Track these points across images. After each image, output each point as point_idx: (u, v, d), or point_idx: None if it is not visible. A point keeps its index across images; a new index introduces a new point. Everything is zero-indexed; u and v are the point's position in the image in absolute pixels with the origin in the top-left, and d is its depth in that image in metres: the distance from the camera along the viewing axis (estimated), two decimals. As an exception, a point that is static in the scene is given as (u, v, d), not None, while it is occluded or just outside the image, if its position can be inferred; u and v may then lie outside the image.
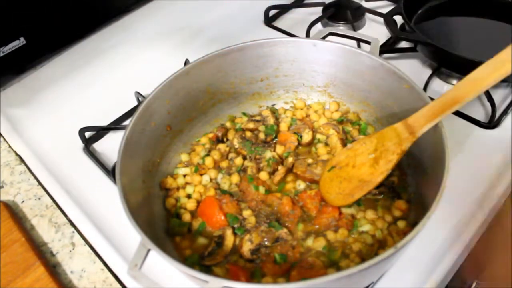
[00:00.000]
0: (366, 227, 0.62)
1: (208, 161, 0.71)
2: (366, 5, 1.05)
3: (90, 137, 0.83)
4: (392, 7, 0.97)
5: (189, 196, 0.69)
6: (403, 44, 0.97)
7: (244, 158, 0.72)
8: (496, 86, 0.85)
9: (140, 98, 0.84)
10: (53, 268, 0.67)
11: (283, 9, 1.09)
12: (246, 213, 0.65)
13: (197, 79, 0.71)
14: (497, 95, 0.82)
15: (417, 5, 0.97)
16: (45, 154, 0.82)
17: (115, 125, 0.84)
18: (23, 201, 0.76)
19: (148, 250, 0.49)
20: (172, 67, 0.72)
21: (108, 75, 0.96)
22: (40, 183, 0.78)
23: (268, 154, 0.71)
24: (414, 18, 0.96)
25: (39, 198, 0.76)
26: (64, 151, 0.82)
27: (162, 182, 0.70)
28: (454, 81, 0.87)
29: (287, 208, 0.65)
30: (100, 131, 0.84)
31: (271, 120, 0.75)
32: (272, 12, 1.07)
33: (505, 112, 0.79)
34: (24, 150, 0.83)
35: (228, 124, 0.78)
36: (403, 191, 0.66)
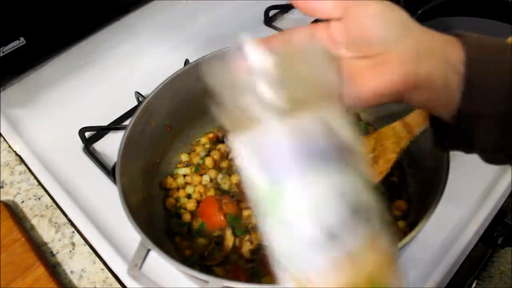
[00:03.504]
0: (366, 227, 0.62)
1: (208, 161, 0.71)
2: (366, 5, 1.05)
3: (90, 137, 0.83)
4: None
5: (189, 196, 0.69)
6: (403, 44, 0.97)
7: (244, 158, 0.72)
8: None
9: (140, 98, 0.84)
10: (53, 268, 0.67)
11: (283, 9, 1.08)
12: (246, 213, 0.65)
13: (197, 79, 0.71)
14: (497, 95, 0.82)
15: (417, 5, 0.97)
16: (45, 154, 0.82)
17: (115, 125, 0.84)
18: (23, 201, 0.76)
19: (148, 250, 0.49)
20: (172, 67, 0.72)
21: (108, 75, 0.96)
22: (40, 183, 0.78)
23: (268, 154, 0.71)
24: (414, 18, 0.96)
25: (39, 198, 0.76)
26: (64, 151, 0.82)
27: (162, 182, 0.70)
28: (454, 81, 0.87)
29: (287, 208, 0.65)
30: (100, 131, 0.84)
31: (271, 120, 0.75)
32: (272, 12, 1.07)
33: (505, 112, 0.79)
34: (24, 150, 0.83)
35: (228, 124, 0.77)
36: (403, 191, 0.66)
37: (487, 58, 0.38)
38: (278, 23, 1.06)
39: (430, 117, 0.45)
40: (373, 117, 0.74)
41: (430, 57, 0.38)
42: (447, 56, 0.38)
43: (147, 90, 0.76)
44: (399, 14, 0.40)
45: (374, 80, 0.39)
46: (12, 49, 0.87)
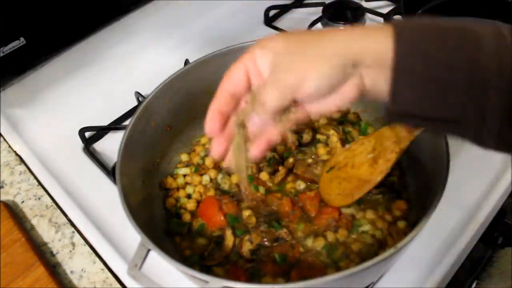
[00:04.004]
0: (366, 227, 0.62)
1: (208, 161, 0.71)
2: (366, 5, 1.05)
3: (90, 137, 0.83)
4: (392, 7, 0.97)
5: (189, 196, 0.69)
6: (403, 44, 0.97)
7: (244, 158, 0.72)
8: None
9: (140, 98, 0.84)
10: (53, 268, 0.67)
11: (283, 9, 1.08)
12: (246, 213, 0.65)
13: (197, 79, 0.71)
14: (497, 95, 0.82)
15: (417, 5, 0.97)
16: (45, 154, 0.82)
17: (115, 125, 0.85)
18: (23, 201, 0.76)
19: (148, 250, 0.49)
20: (172, 67, 0.72)
21: (108, 75, 0.96)
22: (40, 183, 0.78)
23: (268, 154, 0.71)
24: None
25: (39, 198, 0.76)
26: (64, 151, 0.82)
27: (162, 182, 0.70)
28: (454, 81, 0.87)
29: (287, 208, 0.65)
30: (100, 131, 0.84)
31: (271, 120, 0.75)
32: (272, 12, 1.07)
33: (505, 112, 0.79)
34: (24, 150, 0.83)
35: (228, 124, 0.77)
36: (403, 191, 0.66)
37: (417, 51, 0.38)
38: (278, 23, 1.06)
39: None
40: (373, 117, 0.74)
41: (367, 67, 0.40)
42: (381, 56, 0.39)
43: (147, 90, 0.76)
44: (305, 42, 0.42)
45: (331, 104, 0.44)
46: (12, 49, 0.87)
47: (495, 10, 0.95)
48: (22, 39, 0.88)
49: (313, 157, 0.71)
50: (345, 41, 0.41)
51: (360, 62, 0.40)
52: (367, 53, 0.40)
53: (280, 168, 0.69)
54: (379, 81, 0.40)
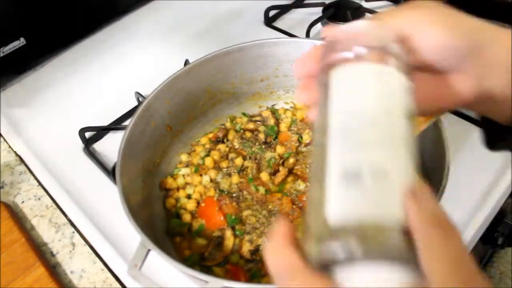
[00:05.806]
0: (366, 227, 0.62)
1: (208, 161, 0.71)
2: (366, 5, 1.05)
3: (90, 137, 0.83)
4: (392, 7, 0.97)
5: (189, 197, 0.69)
6: (403, 44, 0.97)
7: (244, 158, 0.72)
8: (496, 86, 0.85)
9: (140, 98, 0.84)
10: (53, 268, 0.67)
11: (283, 9, 1.08)
12: (246, 213, 0.65)
13: (197, 79, 0.71)
14: (497, 95, 0.82)
15: (417, 5, 0.97)
16: (45, 154, 0.82)
17: (115, 125, 0.84)
18: (23, 202, 0.76)
19: (148, 250, 0.49)
20: (172, 67, 0.72)
21: (108, 75, 0.96)
22: (40, 183, 0.78)
23: (269, 154, 0.71)
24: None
25: (39, 198, 0.76)
26: (64, 151, 0.82)
27: (162, 182, 0.70)
28: (454, 81, 0.87)
29: (287, 208, 0.65)
30: (100, 131, 0.84)
31: (271, 121, 0.75)
32: (272, 13, 1.07)
33: (505, 112, 0.79)
34: (24, 150, 0.83)
35: (228, 125, 0.78)
36: (403, 191, 0.66)
37: None
38: (278, 23, 1.06)
39: (481, 118, 0.42)
40: (373, 117, 0.74)
41: (493, 70, 0.36)
42: (508, 62, 0.35)
43: (147, 90, 0.76)
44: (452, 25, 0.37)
45: (442, 102, 0.39)
46: (12, 49, 0.87)
47: (495, 10, 0.95)
48: (22, 39, 0.88)
49: (313, 157, 0.71)
50: None
51: None
52: None
53: (281, 168, 0.69)
54: (499, 87, 0.35)
